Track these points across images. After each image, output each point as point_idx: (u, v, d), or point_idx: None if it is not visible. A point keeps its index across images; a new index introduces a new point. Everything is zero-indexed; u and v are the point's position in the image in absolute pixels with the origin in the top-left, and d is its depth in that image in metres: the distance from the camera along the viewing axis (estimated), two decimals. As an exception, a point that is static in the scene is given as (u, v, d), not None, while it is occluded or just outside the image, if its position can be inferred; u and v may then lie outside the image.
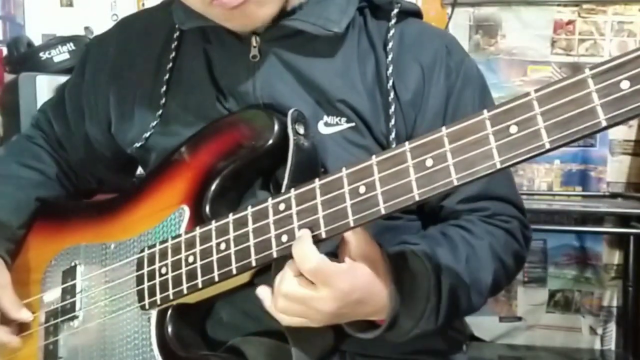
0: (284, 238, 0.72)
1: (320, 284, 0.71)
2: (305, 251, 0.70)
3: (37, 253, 0.99)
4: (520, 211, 0.92)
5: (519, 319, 2.31)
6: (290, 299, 0.73)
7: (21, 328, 0.96)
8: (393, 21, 0.89)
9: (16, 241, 0.99)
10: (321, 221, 0.70)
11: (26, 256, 1.00)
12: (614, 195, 2.22)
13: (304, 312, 0.74)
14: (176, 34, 0.95)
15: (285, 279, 0.73)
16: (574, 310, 2.29)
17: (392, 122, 0.86)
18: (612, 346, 2.27)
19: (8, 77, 2.02)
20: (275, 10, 0.84)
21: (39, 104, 1.74)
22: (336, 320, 0.77)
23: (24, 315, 0.94)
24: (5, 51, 2.10)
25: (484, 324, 2.29)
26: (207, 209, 0.83)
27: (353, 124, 0.86)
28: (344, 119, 0.86)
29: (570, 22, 2.23)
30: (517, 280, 2.26)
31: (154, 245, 0.84)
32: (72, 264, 0.94)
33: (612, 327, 2.27)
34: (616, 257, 2.24)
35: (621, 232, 2.18)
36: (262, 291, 0.77)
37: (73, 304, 0.92)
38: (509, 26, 2.26)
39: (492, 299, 2.12)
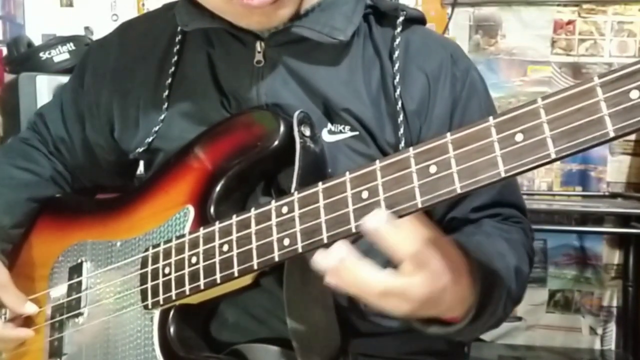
0: (286, 242, 0.71)
1: (417, 267, 0.63)
2: (404, 234, 0.62)
3: (45, 248, 0.99)
4: (526, 216, 0.92)
5: (519, 319, 2.31)
6: (387, 295, 0.64)
7: (29, 323, 0.96)
8: (399, 29, 0.88)
9: (11, 241, 0.99)
10: (323, 226, 0.68)
11: (34, 251, 1.00)
12: (614, 195, 2.22)
13: (397, 306, 0.65)
14: (178, 38, 0.94)
15: (371, 276, 0.63)
16: (574, 310, 2.29)
17: (401, 130, 0.85)
18: (612, 346, 2.27)
19: (8, 77, 2.02)
20: (292, 12, 0.83)
21: (39, 104, 1.74)
22: (422, 311, 0.67)
23: (29, 309, 0.94)
24: (5, 51, 2.10)
25: (484, 324, 2.29)
26: (212, 209, 0.82)
27: (357, 133, 0.85)
28: (347, 127, 0.85)
29: (570, 22, 2.23)
30: (517, 280, 2.26)
31: (158, 245, 0.83)
32: (79, 260, 0.94)
33: (612, 327, 2.27)
34: (616, 257, 2.25)
35: (621, 232, 2.18)
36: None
37: (78, 300, 0.92)
38: (509, 26, 2.26)
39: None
